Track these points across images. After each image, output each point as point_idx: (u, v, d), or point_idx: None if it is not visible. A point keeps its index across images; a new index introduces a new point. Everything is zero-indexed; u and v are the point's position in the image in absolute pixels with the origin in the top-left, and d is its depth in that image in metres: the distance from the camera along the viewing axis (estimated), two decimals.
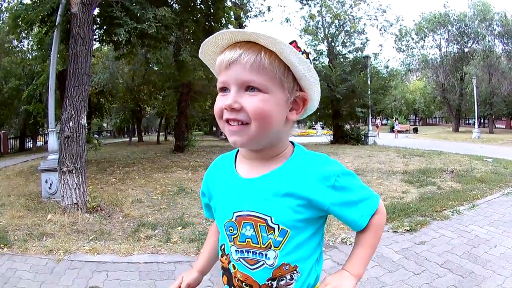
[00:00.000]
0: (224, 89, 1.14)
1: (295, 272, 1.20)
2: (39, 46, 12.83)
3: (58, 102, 9.70)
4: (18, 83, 22.27)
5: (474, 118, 32.79)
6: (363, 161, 13.95)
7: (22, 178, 11.96)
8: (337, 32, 26.74)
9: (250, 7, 22.49)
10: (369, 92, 23.07)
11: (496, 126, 46.90)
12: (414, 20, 43.68)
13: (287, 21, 24.44)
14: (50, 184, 7.92)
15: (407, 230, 5.73)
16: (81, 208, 6.74)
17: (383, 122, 43.37)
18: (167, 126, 39.77)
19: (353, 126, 24.79)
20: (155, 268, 4.42)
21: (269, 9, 23.11)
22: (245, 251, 1.22)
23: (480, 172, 10.76)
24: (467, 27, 40.10)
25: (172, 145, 21.80)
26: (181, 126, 20.73)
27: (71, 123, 6.99)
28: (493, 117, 42.70)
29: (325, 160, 1.22)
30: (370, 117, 25.41)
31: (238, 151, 1.33)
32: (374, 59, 26.76)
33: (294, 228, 1.17)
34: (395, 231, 5.67)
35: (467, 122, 55.24)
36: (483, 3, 38.65)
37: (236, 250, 1.24)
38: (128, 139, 35.18)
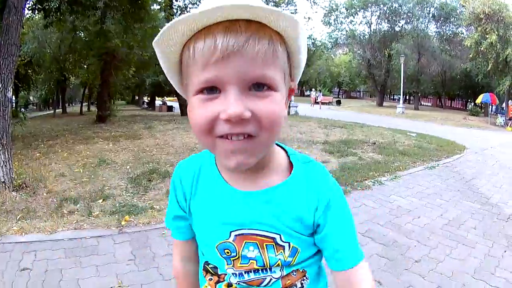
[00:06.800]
0: (212, 89, 0.78)
1: (304, 278, 1.01)
2: None
3: None
4: None
5: (400, 94, 33.88)
6: (284, 130, 14.10)
7: None
8: (265, 2, 26.74)
9: None
10: None
11: (422, 103, 49.13)
12: None
13: None
14: None
15: None
16: (8, 187, 6.36)
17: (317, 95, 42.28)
18: (90, 96, 39.45)
19: None
20: (78, 245, 4.30)
21: None
22: (246, 272, 1.00)
23: (403, 146, 11.23)
24: (400, 7, 41.23)
25: (95, 115, 21.25)
26: (103, 95, 20.23)
27: None
28: (420, 94, 44.43)
29: (326, 180, 0.97)
30: None
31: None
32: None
33: (304, 246, 0.97)
34: None
35: (392, 98, 57.39)
36: None
37: (234, 273, 1.01)
38: (53, 112, 34.03)
